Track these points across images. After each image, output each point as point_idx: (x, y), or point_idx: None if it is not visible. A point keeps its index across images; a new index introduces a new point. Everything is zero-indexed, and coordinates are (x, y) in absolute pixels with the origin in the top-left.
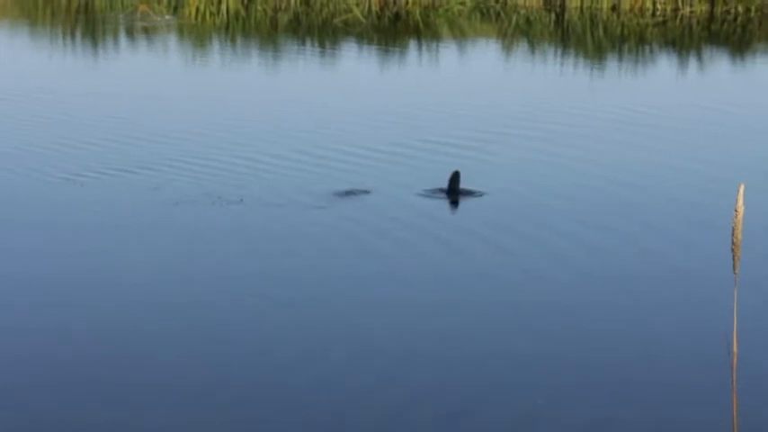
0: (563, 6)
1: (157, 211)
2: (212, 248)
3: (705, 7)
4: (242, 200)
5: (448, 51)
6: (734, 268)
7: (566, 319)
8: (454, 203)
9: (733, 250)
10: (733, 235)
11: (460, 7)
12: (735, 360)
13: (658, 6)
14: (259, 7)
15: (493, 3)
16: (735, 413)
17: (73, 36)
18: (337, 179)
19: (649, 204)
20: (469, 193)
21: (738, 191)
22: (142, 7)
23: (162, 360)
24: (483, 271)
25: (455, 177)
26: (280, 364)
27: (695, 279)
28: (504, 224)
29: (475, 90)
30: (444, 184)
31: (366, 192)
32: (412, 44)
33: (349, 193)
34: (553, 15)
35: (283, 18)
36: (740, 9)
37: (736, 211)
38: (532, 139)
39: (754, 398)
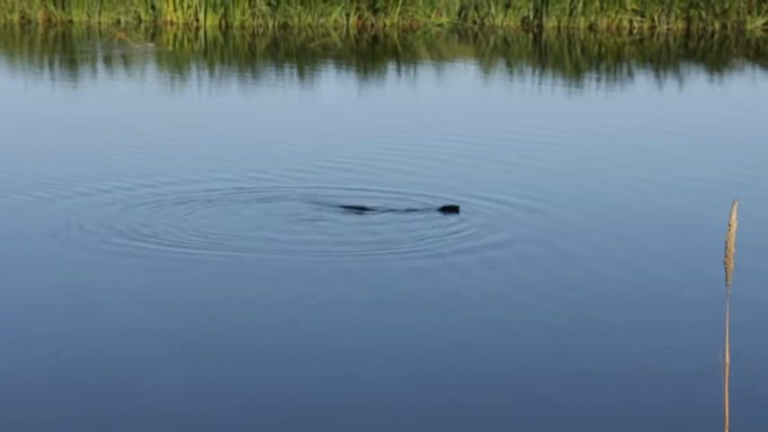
0: (540, 27)
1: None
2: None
3: (682, 25)
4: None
5: (426, 73)
6: (726, 280)
7: (551, 333)
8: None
9: (725, 263)
10: (726, 248)
11: (438, 29)
12: (726, 371)
13: (635, 25)
14: (237, 33)
15: (470, 24)
16: (726, 425)
17: (51, 65)
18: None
19: (628, 219)
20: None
21: (732, 206)
22: (120, 35)
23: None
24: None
25: (453, 209)
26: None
27: (685, 295)
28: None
29: (453, 110)
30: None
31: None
32: (390, 66)
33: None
34: (531, 36)
35: (261, 43)
36: (717, 26)
37: (729, 225)
38: (510, 158)
39: (747, 410)
